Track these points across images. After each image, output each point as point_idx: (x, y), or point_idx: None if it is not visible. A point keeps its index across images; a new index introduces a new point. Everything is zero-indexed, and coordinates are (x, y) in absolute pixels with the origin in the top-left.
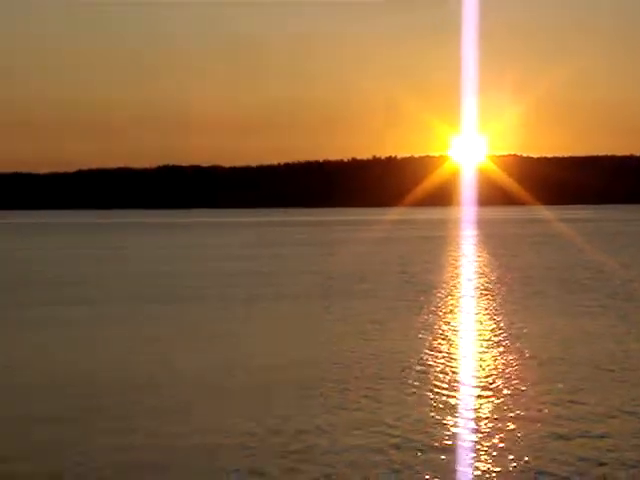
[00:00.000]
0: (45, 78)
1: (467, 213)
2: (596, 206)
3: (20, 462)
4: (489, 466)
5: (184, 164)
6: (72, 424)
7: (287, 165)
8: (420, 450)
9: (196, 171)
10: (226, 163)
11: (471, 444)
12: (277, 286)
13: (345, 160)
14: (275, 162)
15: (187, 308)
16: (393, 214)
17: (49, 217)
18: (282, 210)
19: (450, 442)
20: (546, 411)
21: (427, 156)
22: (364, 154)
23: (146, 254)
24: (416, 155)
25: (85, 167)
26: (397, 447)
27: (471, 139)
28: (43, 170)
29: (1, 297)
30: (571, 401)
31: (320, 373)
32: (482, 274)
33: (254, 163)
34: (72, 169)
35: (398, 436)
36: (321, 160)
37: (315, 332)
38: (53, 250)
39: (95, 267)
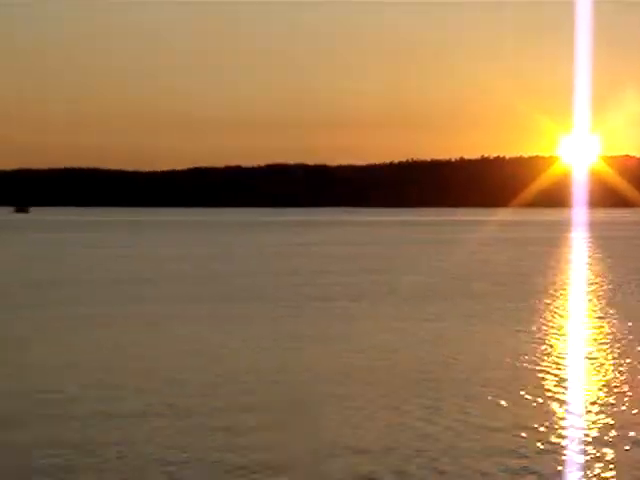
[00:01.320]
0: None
1: (578, 215)
2: None
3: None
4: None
5: (290, 162)
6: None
7: (395, 164)
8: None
9: (306, 170)
10: (334, 162)
11: (589, 458)
12: (393, 286)
13: (453, 160)
14: (383, 161)
15: (310, 306)
16: (503, 215)
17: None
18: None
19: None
20: None
21: (537, 156)
22: (473, 154)
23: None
24: (525, 155)
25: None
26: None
27: (582, 139)
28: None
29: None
30: None
31: (437, 375)
32: (596, 277)
33: (363, 162)
34: (164, 168)
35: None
36: (429, 159)
37: (432, 333)
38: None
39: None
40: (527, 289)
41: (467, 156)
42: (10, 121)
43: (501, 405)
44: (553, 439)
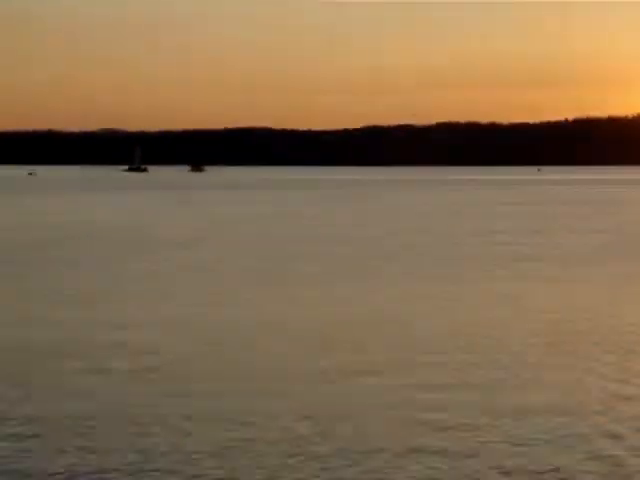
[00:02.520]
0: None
1: None
2: None
3: None
4: None
5: (461, 120)
6: None
7: (570, 121)
8: None
9: (478, 128)
10: (507, 120)
11: None
12: (565, 246)
13: (630, 116)
14: (558, 118)
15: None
16: None
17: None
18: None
19: None
20: None
21: None
22: None
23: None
24: None
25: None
26: None
27: None
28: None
29: None
30: None
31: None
32: None
33: (537, 120)
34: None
35: None
36: (606, 116)
37: (617, 298)
38: None
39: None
40: None
41: None
42: (186, 84)
43: None
44: None
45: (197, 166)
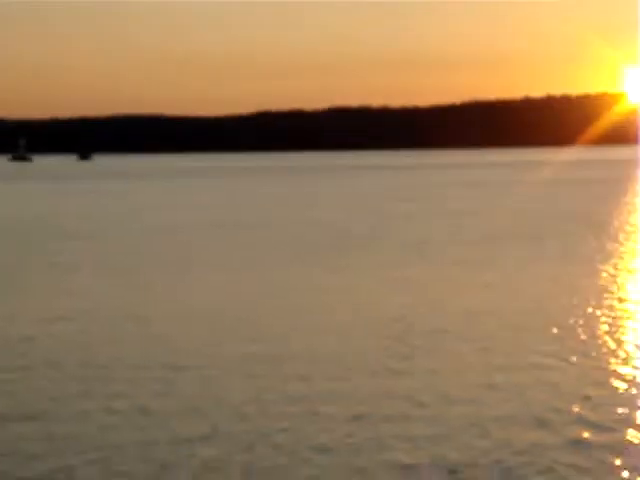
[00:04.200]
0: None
1: None
2: None
3: None
4: None
5: (353, 105)
6: None
7: (458, 105)
8: None
9: (368, 112)
10: (396, 103)
11: None
12: (469, 228)
13: (518, 99)
14: (446, 102)
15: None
16: (568, 154)
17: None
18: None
19: None
20: None
21: (604, 93)
22: (538, 92)
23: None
24: (592, 93)
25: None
26: None
27: None
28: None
29: None
30: None
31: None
32: None
33: (425, 103)
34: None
35: None
36: (493, 99)
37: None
38: None
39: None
40: (605, 232)
41: (532, 94)
42: (73, 69)
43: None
44: None
45: (84, 154)
